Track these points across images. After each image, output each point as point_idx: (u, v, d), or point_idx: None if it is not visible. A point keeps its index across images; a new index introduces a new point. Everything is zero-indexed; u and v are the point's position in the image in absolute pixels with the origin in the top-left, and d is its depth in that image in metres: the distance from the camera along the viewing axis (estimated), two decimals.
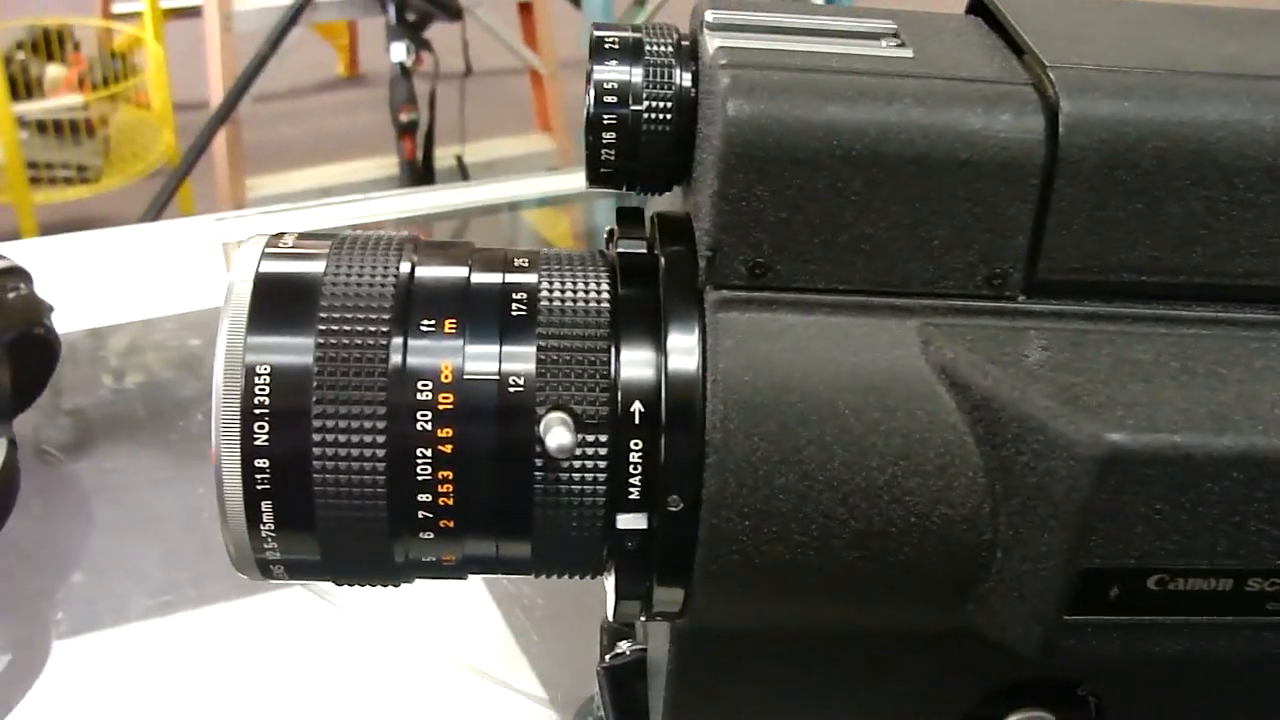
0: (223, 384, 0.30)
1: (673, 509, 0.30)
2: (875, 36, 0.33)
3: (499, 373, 0.31)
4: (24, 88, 2.03)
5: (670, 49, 0.33)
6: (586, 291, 0.32)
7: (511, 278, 0.32)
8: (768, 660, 0.34)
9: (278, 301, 0.31)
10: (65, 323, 0.72)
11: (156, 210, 1.80)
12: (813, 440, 0.30)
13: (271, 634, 0.55)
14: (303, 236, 0.33)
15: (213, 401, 0.30)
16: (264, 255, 0.32)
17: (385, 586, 0.34)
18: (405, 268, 0.32)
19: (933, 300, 0.31)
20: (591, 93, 0.33)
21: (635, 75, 0.33)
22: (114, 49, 2.15)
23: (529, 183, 1.07)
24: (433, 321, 0.31)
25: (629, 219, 0.34)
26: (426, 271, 0.32)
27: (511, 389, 0.31)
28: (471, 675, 0.55)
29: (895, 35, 0.33)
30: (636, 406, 0.31)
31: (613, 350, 0.31)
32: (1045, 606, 0.30)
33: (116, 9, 2.38)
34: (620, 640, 0.44)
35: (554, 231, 1.07)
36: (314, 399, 0.30)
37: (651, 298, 0.32)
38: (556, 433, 0.30)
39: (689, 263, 0.31)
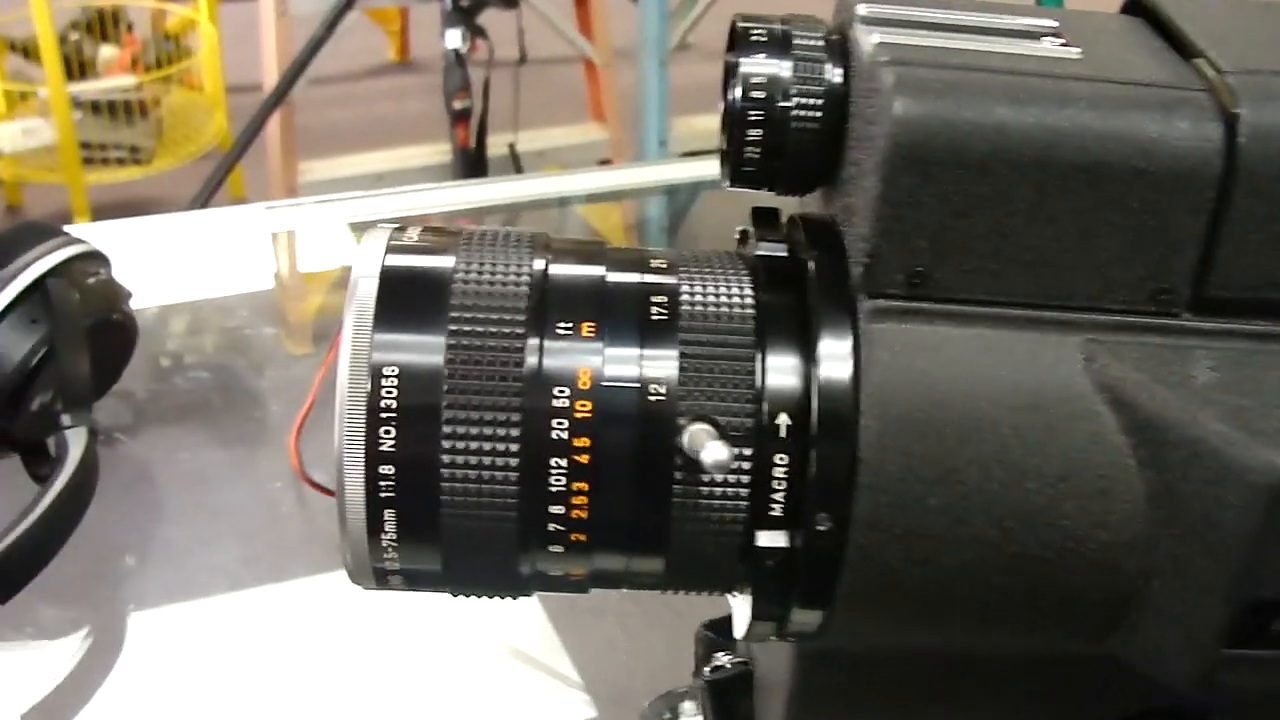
0: (348, 384, 0.29)
1: (820, 528, 0.29)
2: (1037, 35, 0.31)
3: (639, 380, 0.29)
4: (78, 68, 2.04)
5: (820, 42, 0.31)
6: (730, 295, 0.30)
7: (650, 278, 0.31)
8: (895, 681, 0.33)
9: (406, 298, 0.30)
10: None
11: (208, 193, 1.80)
12: (970, 460, 0.29)
13: (336, 623, 0.55)
14: (427, 230, 0.32)
15: (337, 402, 0.29)
16: (389, 249, 0.31)
17: (506, 599, 0.32)
18: (539, 265, 0.31)
19: (1097, 315, 0.29)
20: (738, 87, 0.31)
21: (784, 69, 0.31)
22: (167, 30, 2.15)
23: (582, 177, 1.05)
24: (570, 324, 0.30)
25: (765, 220, 0.32)
26: (561, 270, 0.31)
27: (652, 397, 0.29)
28: (513, 662, 0.54)
29: (1058, 34, 0.31)
30: (783, 419, 0.29)
31: (758, 359, 0.30)
32: (1204, 638, 0.29)
33: None
34: (717, 651, 0.43)
35: (605, 224, 1.06)
36: (444, 402, 0.29)
37: (799, 304, 0.30)
38: (712, 448, 0.28)
39: (839, 268, 0.30)
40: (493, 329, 0.29)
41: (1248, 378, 0.29)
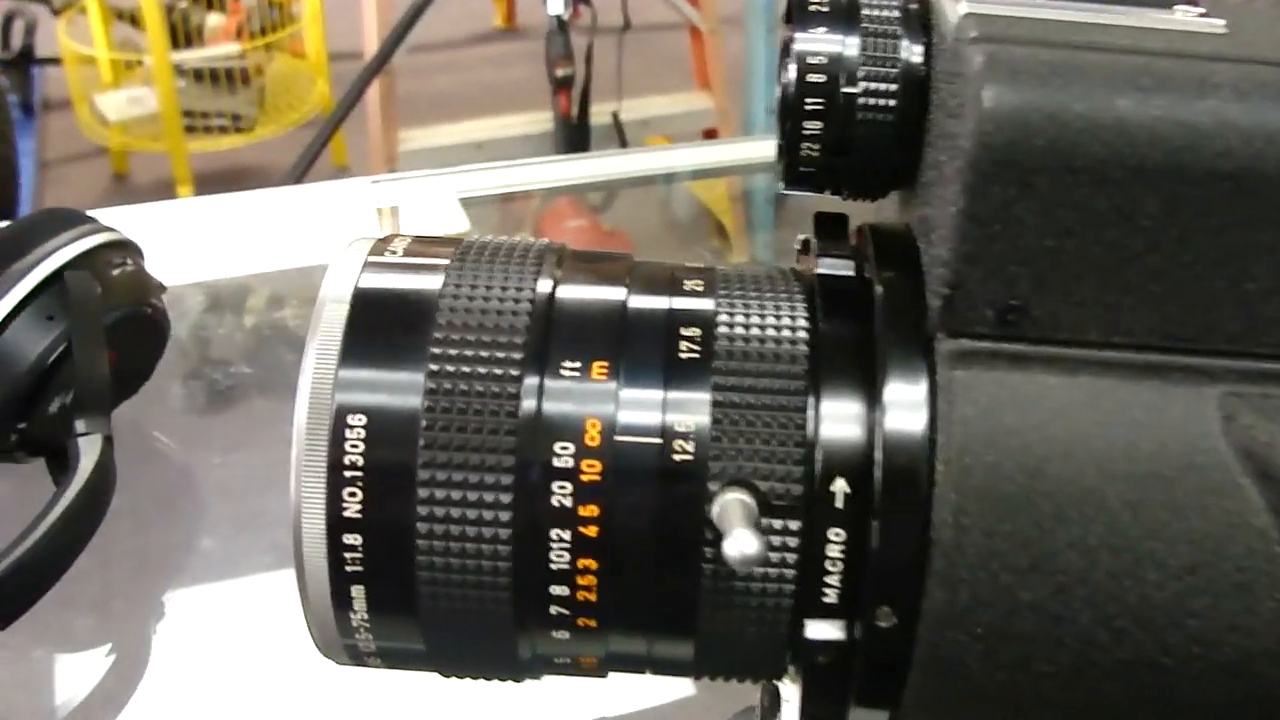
0: (305, 433, 0.24)
1: (882, 624, 0.23)
2: (1168, 2, 0.25)
3: (661, 434, 0.24)
4: (184, 37, 2.03)
5: (895, 14, 0.26)
6: (779, 326, 0.25)
7: (681, 303, 0.25)
8: None
9: (380, 327, 0.25)
10: (187, 297, 0.68)
11: (307, 162, 1.78)
12: (1073, 543, 0.23)
13: None
14: (419, 241, 0.27)
15: (293, 453, 0.24)
16: (366, 266, 0.26)
17: (509, 682, 0.27)
18: (545, 287, 0.25)
19: (1241, 362, 0.23)
20: (792, 68, 0.25)
21: (849, 47, 0.25)
22: None
23: (688, 151, 1.00)
24: (578, 361, 0.24)
25: (831, 229, 0.27)
26: (572, 292, 0.26)
27: (678, 456, 0.24)
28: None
29: (1194, 1, 0.25)
30: (840, 486, 0.24)
31: (811, 409, 0.24)
32: None
33: None
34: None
35: (710, 195, 1.01)
36: (421, 459, 0.24)
37: (863, 340, 0.24)
38: (739, 539, 0.22)
39: (914, 296, 0.24)
40: (482, 366, 0.24)
41: None
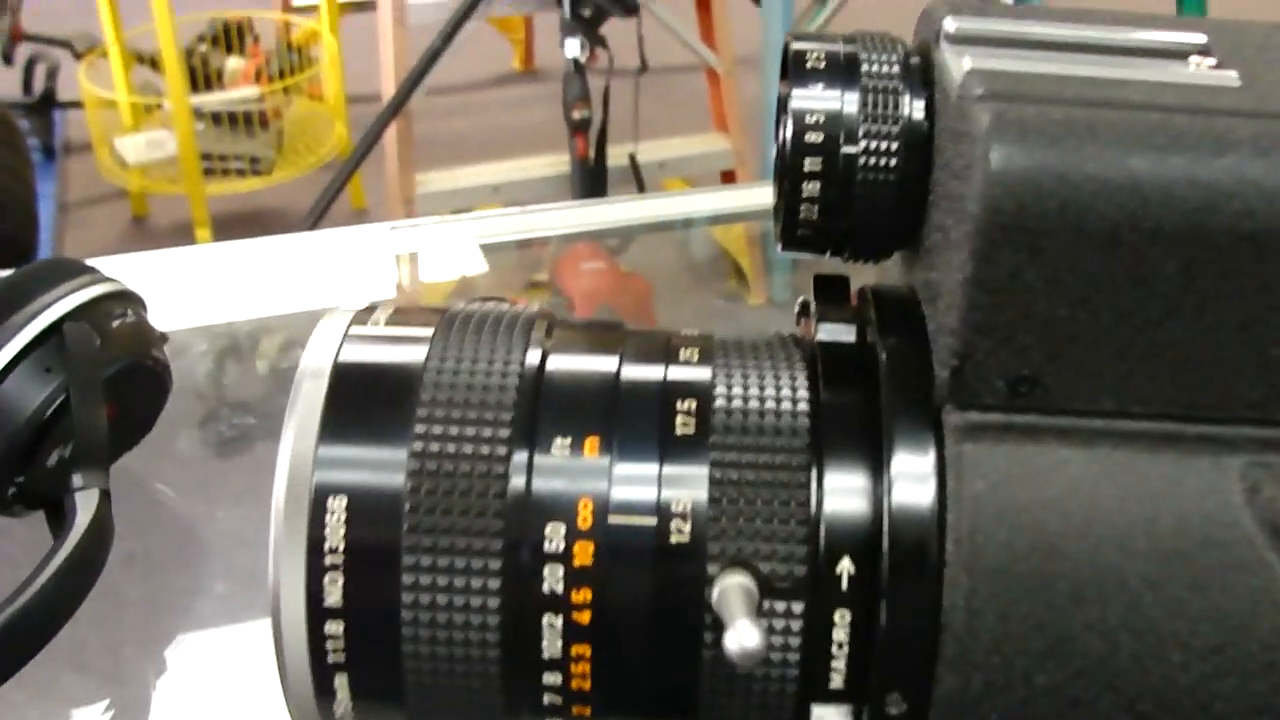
0: (284, 514, 0.23)
1: (892, 710, 0.22)
2: (1180, 54, 0.24)
3: (657, 513, 0.23)
4: (204, 80, 2.04)
5: (895, 68, 0.25)
6: (778, 397, 0.24)
7: (676, 374, 0.24)
8: None
9: (361, 401, 0.24)
10: (193, 342, 0.67)
11: (325, 204, 1.78)
12: (1091, 625, 0.21)
13: None
14: (402, 311, 0.26)
15: (271, 534, 0.23)
16: (347, 338, 0.25)
17: None
18: (533, 358, 0.24)
19: (1264, 430, 0.22)
20: (789, 126, 0.24)
21: (849, 103, 0.24)
22: (291, 42, 2.15)
23: (708, 196, 1.00)
24: (568, 438, 0.23)
25: (831, 292, 0.26)
26: (562, 363, 0.25)
27: (674, 538, 0.23)
28: None
29: (1207, 52, 0.24)
30: (845, 566, 0.23)
31: (813, 485, 0.23)
32: None
33: (297, 2, 2.38)
34: None
35: (728, 236, 1.00)
36: (405, 543, 0.23)
37: (867, 411, 0.23)
38: (741, 631, 0.21)
39: (920, 365, 0.23)
40: (469, 444, 0.23)
41: None
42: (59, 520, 0.47)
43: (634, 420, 0.24)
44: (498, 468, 0.23)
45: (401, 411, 0.24)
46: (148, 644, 0.52)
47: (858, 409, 0.24)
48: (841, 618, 0.23)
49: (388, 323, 0.25)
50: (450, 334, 0.25)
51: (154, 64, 2.08)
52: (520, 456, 0.23)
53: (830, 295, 0.26)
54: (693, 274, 0.96)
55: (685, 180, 2.01)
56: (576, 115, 1.81)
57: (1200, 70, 0.23)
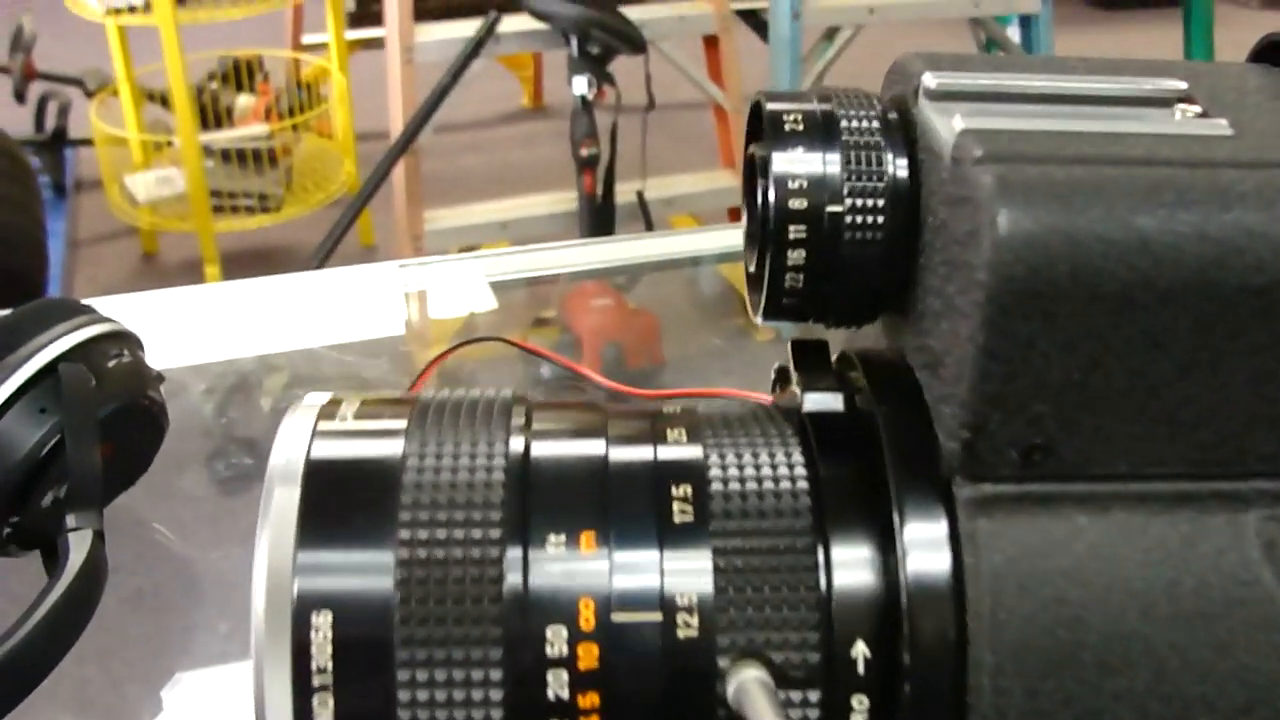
0: (265, 630, 0.21)
1: None
2: (1164, 102, 0.23)
3: (661, 607, 0.22)
4: (214, 118, 2.05)
5: (875, 123, 0.24)
6: (775, 476, 0.23)
7: (666, 454, 0.23)
8: None
9: (339, 503, 0.22)
10: (197, 381, 0.67)
11: (334, 241, 1.78)
12: (1119, 695, 0.21)
13: None
14: (369, 403, 0.24)
15: (252, 650, 0.21)
16: (316, 434, 0.23)
17: None
18: (517, 447, 0.23)
19: (1275, 483, 0.22)
20: (770, 190, 0.23)
21: (831, 164, 0.23)
22: (300, 79, 2.16)
23: (717, 234, 1.00)
24: (562, 534, 0.22)
25: (811, 360, 0.25)
26: (547, 450, 0.23)
27: (682, 632, 0.22)
28: None
29: (1189, 99, 0.23)
30: (860, 650, 0.22)
31: (820, 566, 0.22)
32: None
33: (306, 39, 2.40)
34: None
35: (736, 273, 1.00)
36: (399, 655, 0.21)
37: (871, 484, 0.22)
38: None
39: (922, 435, 0.22)
40: (458, 550, 0.22)
41: None
42: (53, 560, 0.47)
43: (629, 511, 0.23)
44: (491, 571, 0.22)
45: (383, 511, 0.22)
46: (149, 682, 0.52)
47: (860, 483, 0.23)
48: (859, 703, 0.22)
49: (356, 416, 0.24)
50: (426, 425, 0.23)
51: (164, 102, 2.09)
52: (514, 554, 0.22)
53: (811, 362, 0.25)
54: (700, 311, 0.96)
55: (693, 217, 2.01)
56: (584, 152, 1.82)
57: (1189, 119, 0.23)
